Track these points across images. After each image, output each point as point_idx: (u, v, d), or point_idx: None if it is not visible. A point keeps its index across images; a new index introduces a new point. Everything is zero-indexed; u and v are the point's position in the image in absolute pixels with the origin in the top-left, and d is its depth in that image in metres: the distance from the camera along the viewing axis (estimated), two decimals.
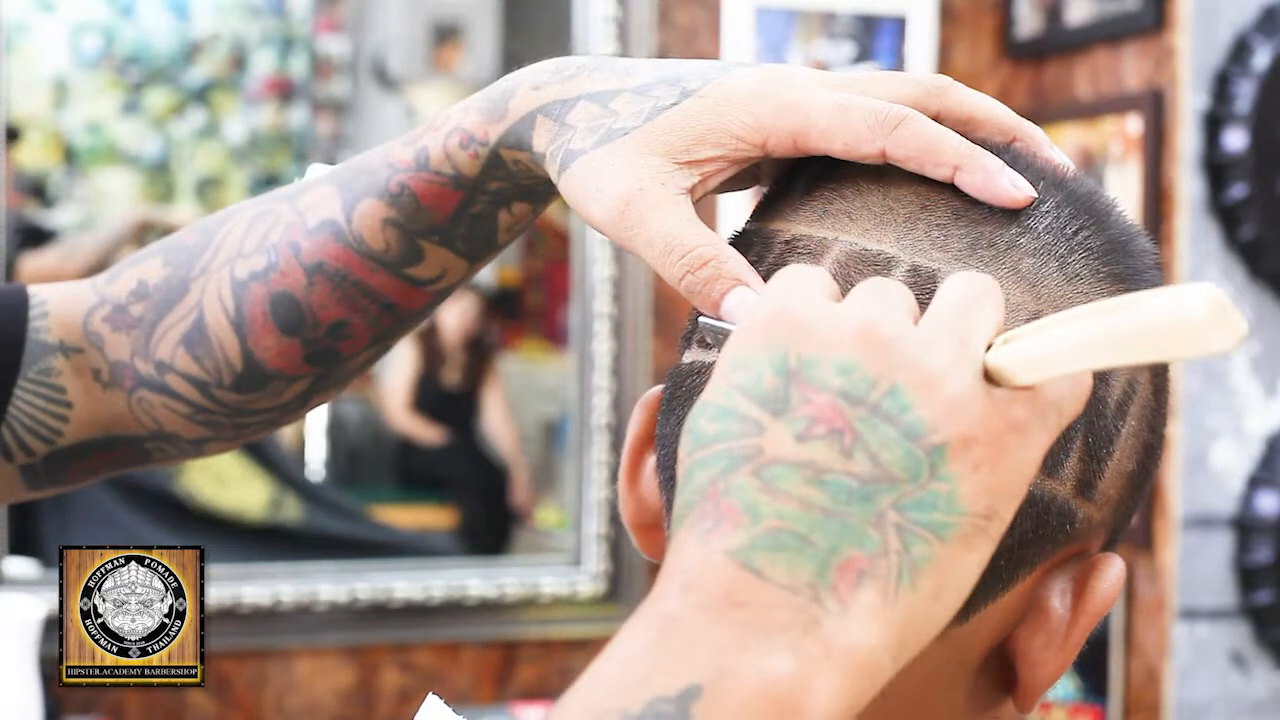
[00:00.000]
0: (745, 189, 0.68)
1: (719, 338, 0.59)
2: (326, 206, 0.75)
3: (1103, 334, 0.49)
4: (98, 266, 2.46)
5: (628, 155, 0.62)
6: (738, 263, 0.59)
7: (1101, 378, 0.58)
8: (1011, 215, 0.59)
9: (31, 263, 2.50)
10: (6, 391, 0.78)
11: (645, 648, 0.46)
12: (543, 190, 0.72)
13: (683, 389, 0.62)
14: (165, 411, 0.79)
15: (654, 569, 0.52)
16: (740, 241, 0.63)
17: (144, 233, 2.62)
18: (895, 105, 0.60)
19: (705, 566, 0.47)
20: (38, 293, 0.80)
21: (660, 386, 0.64)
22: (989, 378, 0.50)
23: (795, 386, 0.49)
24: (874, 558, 0.47)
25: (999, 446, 0.49)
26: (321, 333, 0.76)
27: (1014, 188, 0.58)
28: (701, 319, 0.60)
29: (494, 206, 0.73)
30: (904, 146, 0.59)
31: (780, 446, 0.48)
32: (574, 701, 0.45)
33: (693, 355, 0.62)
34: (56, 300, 0.80)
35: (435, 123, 0.72)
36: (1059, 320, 0.50)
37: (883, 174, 0.60)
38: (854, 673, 0.46)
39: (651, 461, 0.64)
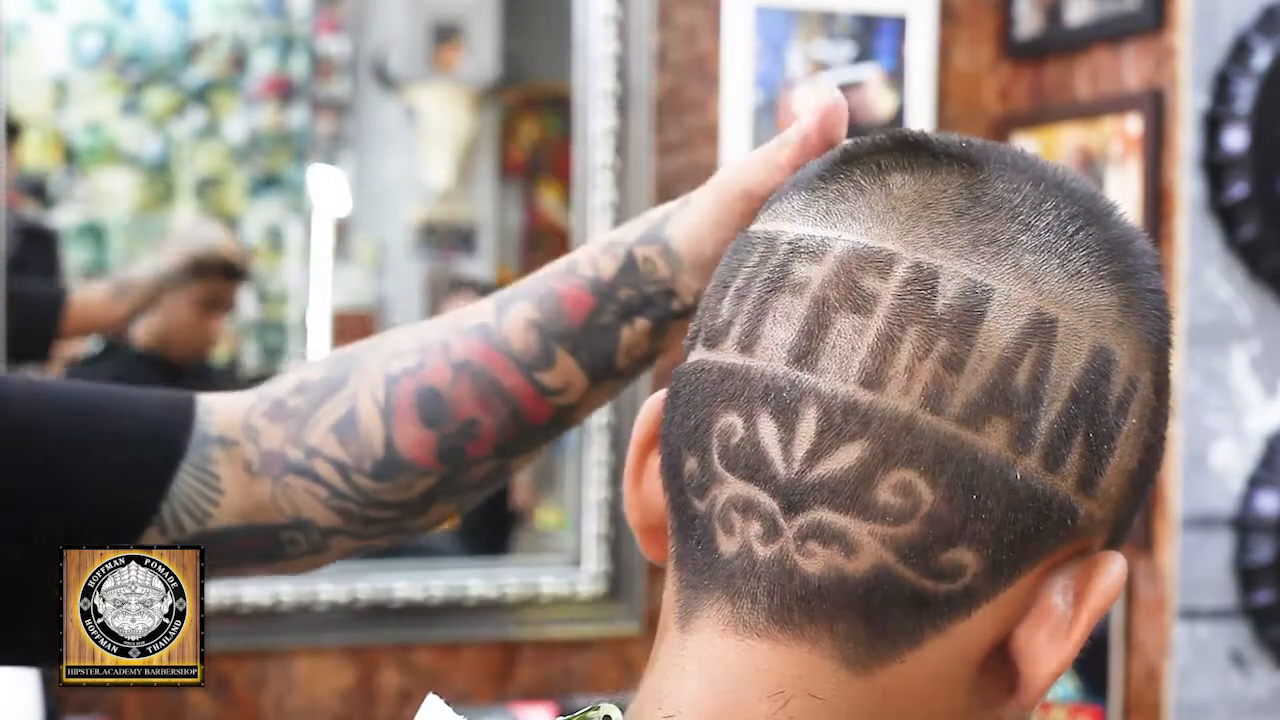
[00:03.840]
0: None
1: None
2: (482, 314, 0.86)
3: None
4: (152, 304, 2.47)
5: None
6: None
7: (1103, 375, 0.58)
8: (1012, 213, 0.59)
9: (81, 294, 2.51)
10: (172, 472, 0.87)
11: None
12: (662, 305, 0.83)
13: (686, 390, 0.62)
14: (306, 496, 0.87)
15: (655, 570, 0.52)
16: (744, 243, 0.63)
17: (199, 270, 2.57)
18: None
19: None
20: (205, 399, 0.90)
21: (665, 390, 0.65)
22: None
23: None
24: None
25: None
26: (454, 428, 0.85)
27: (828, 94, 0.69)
28: None
29: (619, 318, 0.83)
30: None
31: None
32: None
33: (697, 355, 0.62)
34: (222, 404, 0.90)
35: (599, 241, 0.86)
36: None
37: (884, 175, 0.61)
38: None
39: (656, 463, 0.64)
